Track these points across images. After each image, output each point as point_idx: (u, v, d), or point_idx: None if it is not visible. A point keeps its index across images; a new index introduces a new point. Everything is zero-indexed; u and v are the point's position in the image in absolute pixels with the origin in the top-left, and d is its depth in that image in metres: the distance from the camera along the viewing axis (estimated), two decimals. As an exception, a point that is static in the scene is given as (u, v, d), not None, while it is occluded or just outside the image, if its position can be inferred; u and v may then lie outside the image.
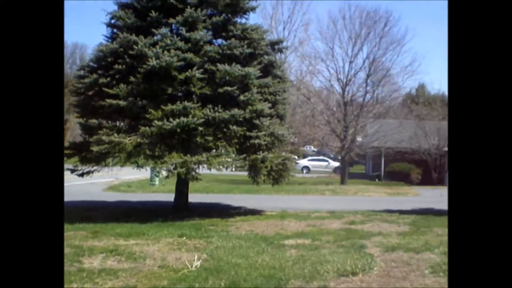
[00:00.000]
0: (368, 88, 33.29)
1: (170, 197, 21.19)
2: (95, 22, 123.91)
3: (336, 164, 48.35)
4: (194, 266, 8.21)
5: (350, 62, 33.30)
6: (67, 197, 21.00)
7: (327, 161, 50.32)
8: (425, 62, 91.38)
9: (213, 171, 14.91)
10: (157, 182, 28.54)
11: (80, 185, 26.64)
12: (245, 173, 16.50)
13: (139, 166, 16.22)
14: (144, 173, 24.96)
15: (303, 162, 48.04)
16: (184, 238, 10.92)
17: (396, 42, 33.31)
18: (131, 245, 10.15)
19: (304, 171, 46.60)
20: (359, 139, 34.69)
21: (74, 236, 11.38)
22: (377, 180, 36.51)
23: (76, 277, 7.73)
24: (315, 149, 62.73)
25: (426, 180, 33.55)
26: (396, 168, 35.96)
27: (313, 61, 35.15)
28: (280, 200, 21.00)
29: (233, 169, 14.75)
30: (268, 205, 18.25)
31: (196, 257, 8.66)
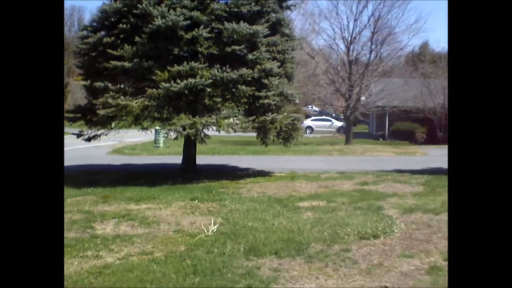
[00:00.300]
0: (373, 46, 32.69)
1: (175, 159, 21.02)
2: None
3: (340, 124, 48.08)
4: (210, 230, 8.01)
5: (355, 20, 32.64)
6: (71, 162, 20.98)
7: (330, 120, 49.98)
8: (431, 20, 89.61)
9: (216, 132, 14.66)
10: (161, 145, 28.35)
11: (83, 148, 26.50)
12: (250, 134, 16.27)
13: (144, 129, 15.98)
14: (148, 136, 24.73)
15: (307, 122, 47.56)
16: (196, 201, 10.71)
17: (402, -1, 32.59)
18: (143, 210, 9.94)
19: (308, 131, 46.25)
20: (363, 98, 34.29)
21: (84, 201, 11.19)
22: (381, 139, 36.25)
23: (90, 243, 7.54)
24: (317, 109, 62.32)
25: (431, 139, 33.25)
26: (401, 127, 35.60)
27: (316, 19, 34.45)
28: (288, 161, 20.78)
29: (238, 130, 14.43)
30: (276, 166, 18.04)
31: (212, 221, 8.45)
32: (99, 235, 8.07)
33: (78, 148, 27.19)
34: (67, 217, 9.31)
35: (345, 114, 34.51)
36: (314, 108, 62.46)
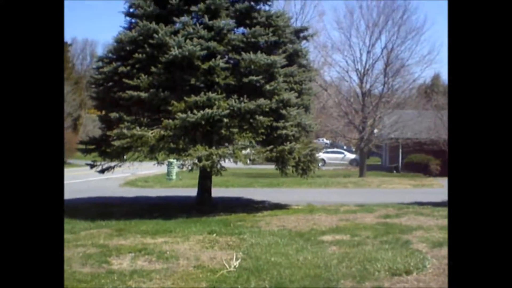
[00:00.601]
0: (386, 78, 32.48)
1: (189, 191, 20.73)
2: (105, 18, 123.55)
3: (352, 156, 47.72)
4: (232, 266, 7.62)
5: (368, 52, 32.55)
6: (84, 194, 20.75)
7: (342, 153, 49.60)
8: (443, 51, 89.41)
9: (230, 164, 14.36)
10: (174, 177, 28.07)
11: (96, 180, 26.31)
12: (263, 166, 15.98)
13: (160, 162, 15.72)
14: (160, 168, 24.49)
15: (319, 154, 47.25)
16: (214, 235, 10.33)
17: (415, 30, 32.51)
18: (159, 244, 9.58)
19: (320, 164, 45.80)
20: (376, 130, 33.98)
21: (98, 234, 10.84)
22: (395, 171, 35.78)
23: (106, 279, 7.17)
24: (328, 142, 61.97)
25: (446, 171, 32.65)
26: (414, 159, 35.15)
27: (329, 51, 34.38)
28: (303, 193, 20.42)
29: (255, 161, 14.12)
30: (292, 199, 17.69)
31: (234, 256, 8.06)
32: (116, 270, 7.70)
33: (90, 180, 27.01)
34: (81, 251, 8.98)
35: (358, 146, 34.17)
36: (325, 140, 62.12)
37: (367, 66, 32.61)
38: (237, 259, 7.95)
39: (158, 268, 7.79)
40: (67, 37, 78.65)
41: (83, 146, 15.50)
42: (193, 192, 19.76)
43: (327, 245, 9.32)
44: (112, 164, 15.15)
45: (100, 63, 14.46)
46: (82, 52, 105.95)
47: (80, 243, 9.77)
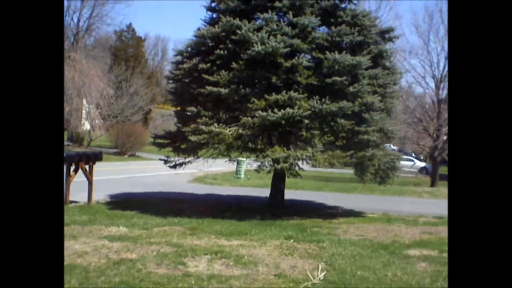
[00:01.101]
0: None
1: (259, 192, 20.39)
2: (177, 15, 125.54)
3: (422, 164, 46.27)
4: (317, 278, 7.11)
5: (446, 58, 31.25)
6: (154, 188, 20.74)
7: (413, 161, 48.12)
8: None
9: (303, 166, 13.88)
10: (242, 176, 27.82)
11: (164, 175, 26.41)
12: (330, 170, 15.49)
13: (233, 160, 15.43)
14: (226, 166, 24.28)
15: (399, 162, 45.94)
16: (292, 240, 9.86)
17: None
18: (235, 247, 9.19)
19: (390, 171, 44.56)
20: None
21: (171, 232, 10.58)
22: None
23: (183, 283, 6.81)
24: (395, 148, 60.37)
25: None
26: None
27: (406, 55, 33.27)
28: (376, 201, 19.64)
29: (336, 166, 13.57)
30: (366, 206, 17.00)
31: (320, 268, 7.53)
32: (192, 273, 7.34)
33: (159, 175, 27.12)
34: (155, 249, 8.70)
35: (431, 155, 32.96)
36: (392, 147, 60.54)
37: (444, 72, 31.32)
38: (321, 270, 7.43)
39: (236, 274, 7.38)
40: (140, 33, 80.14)
41: (160, 141, 15.34)
42: (262, 192, 19.45)
43: (415, 260, 8.65)
44: (186, 160, 14.93)
45: (179, 58, 14.24)
46: (154, 48, 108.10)
47: (154, 240, 9.52)
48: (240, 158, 23.15)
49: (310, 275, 7.20)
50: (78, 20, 53.87)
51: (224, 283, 6.91)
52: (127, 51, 72.77)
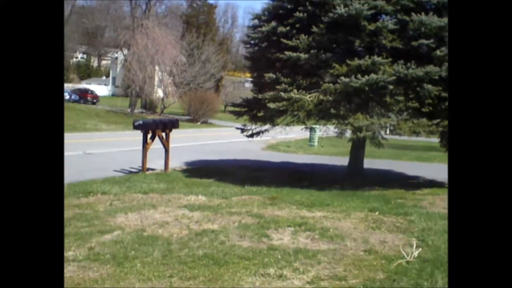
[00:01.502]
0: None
1: (333, 160, 19.98)
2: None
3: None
4: (411, 255, 6.62)
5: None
6: (229, 155, 20.61)
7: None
8: None
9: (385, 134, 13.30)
10: (316, 143, 27.34)
11: (238, 142, 26.33)
12: (406, 138, 14.79)
13: (309, 128, 15.00)
14: (298, 133, 23.87)
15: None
16: (377, 213, 9.36)
17: None
18: (319, 218, 8.80)
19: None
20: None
21: (251, 201, 10.31)
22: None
23: (269, 258, 6.49)
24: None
25: None
26: None
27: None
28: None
29: (421, 134, 12.85)
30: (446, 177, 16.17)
31: (414, 245, 7.03)
32: (277, 247, 7.01)
33: (233, 142, 27.07)
34: (236, 220, 8.44)
35: None
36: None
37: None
38: (417, 248, 6.92)
39: (323, 249, 7.01)
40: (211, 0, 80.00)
41: (237, 109, 15.07)
42: (338, 160, 18.98)
43: None
44: (263, 128, 14.60)
45: (256, 22, 13.79)
46: (224, 15, 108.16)
47: (234, 210, 9.27)
48: (313, 126, 22.65)
49: (403, 252, 6.72)
50: (150, -12, 54.12)
51: (311, 258, 6.54)
52: (198, 18, 72.92)
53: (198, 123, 44.47)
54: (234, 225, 8.11)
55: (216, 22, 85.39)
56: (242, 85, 75.52)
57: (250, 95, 15.87)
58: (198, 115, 45.66)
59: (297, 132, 21.06)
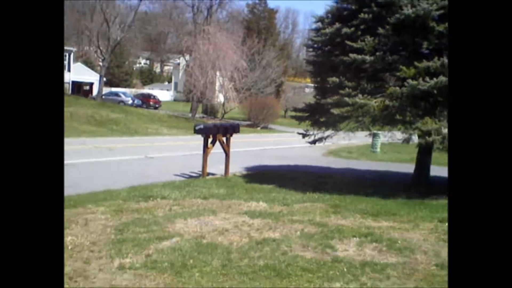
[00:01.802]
0: None
1: (397, 166, 19.36)
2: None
3: None
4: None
5: None
6: (289, 161, 20.28)
7: None
8: None
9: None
10: (378, 150, 26.64)
11: (298, 148, 25.99)
12: None
13: (373, 133, 14.50)
14: (360, 139, 23.29)
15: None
16: (447, 224, 8.83)
17: None
18: (385, 229, 8.36)
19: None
20: None
21: (313, 209, 9.95)
22: None
23: (334, 270, 6.14)
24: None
25: None
26: None
27: None
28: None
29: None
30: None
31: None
32: (342, 259, 6.64)
33: (293, 147, 26.73)
34: (299, 228, 8.12)
35: None
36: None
37: None
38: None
39: (392, 262, 6.58)
40: (271, 5, 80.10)
41: (299, 114, 14.75)
42: (402, 167, 18.37)
43: None
44: (325, 134, 14.21)
45: (319, 24, 13.43)
46: (285, 21, 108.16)
47: (296, 218, 8.94)
48: (376, 131, 22.04)
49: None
50: (212, -6, 54.56)
51: (379, 272, 6.15)
52: (259, 23, 73.10)
53: (258, 128, 44.33)
54: (296, 234, 7.78)
55: (277, 27, 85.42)
56: (302, 91, 75.16)
57: (310, 100, 15.53)
58: (258, 120, 45.53)
59: (359, 138, 20.51)
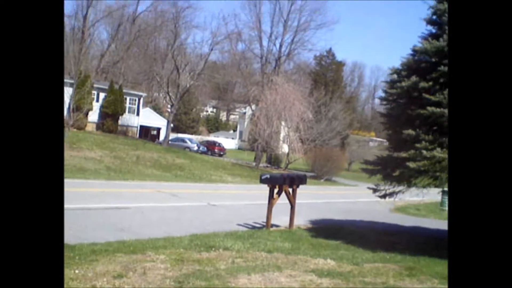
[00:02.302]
0: None
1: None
2: (375, 42, 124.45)
3: None
4: None
5: None
6: (355, 215, 19.54)
7: None
8: None
9: None
10: (447, 208, 25.46)
11: (364, 202, 25.21)
12: None
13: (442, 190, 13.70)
14: (426, 196, 22.27)
15: None
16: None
17: None
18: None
19: None
20: None
21: (385, 271, 9.24)
22: None
23: None
24: None
25: None
26: None
27: None
28: None
29: None
30: None
31: None
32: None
33: (358, 202, 25.96)
34: (371, 291, 7.46)
35: None
36: None
37: None
38: None
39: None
40: (339, 58, 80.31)
41: (370, 167, 14.15)
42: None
43: None
44: (397, 189, 13.52)
45: (395, 76, 12.93)
46: (351, 74, 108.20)
47: (368, 280, 8.27)
48: (446, 189, 21.06)
49: None
50: (280, 46, 55.15)
51: None
52: (326, 75, 73.27)
53: (322, 180, 43.65)
54: (369, 298, 7.13)
55: (344, 80, 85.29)
56: (367, 144, 74.26)
57: (374, 154, 14.94)
58: (322, 172, 44.90)
59: (431, 195, 19.60)
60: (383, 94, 14.06)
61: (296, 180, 14.80)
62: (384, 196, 13.91)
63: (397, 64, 13.32)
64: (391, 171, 13.00)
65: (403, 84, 11.94)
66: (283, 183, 14.07)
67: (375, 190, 14.01)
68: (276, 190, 13.93)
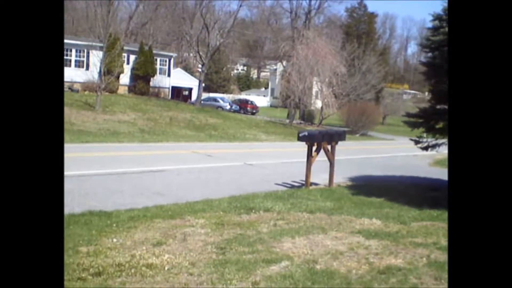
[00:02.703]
0: None
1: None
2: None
3: None
4: None
5: None
6: (394, 171, 18.97)
7: None
8: None
9: None
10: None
11: (401, 156, 24.62)
12: None
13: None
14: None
15: None
16: None
17: None
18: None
19: None
20: None
21: (435, 230, 8.76)
22: None
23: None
24: None
25: None
26: None
27: None
28: None
29: None
30: None
31: None
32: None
33: (396, 156, 25.37)
34: (423, 253, 7.01)
35: None
36: None
37: None
38: None
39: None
40: (371, 9, 78.34)
41: (412, 119, 13.59)
42: None
43: None
44: (440, 141, 12.96)
45: (437, 23, 12.20)
46: (382, 26, 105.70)
47: (418, 241, 7.80)
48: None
49: None
50: (310, 0, 53.79)
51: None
52: (358, 27, 71.65)
53: (357, 135, 42.94)
54: (423, 260, 6.68)
55: (377, 32, 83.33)
56: (400, 97, 72.91)
57: (408, 107, 14.37)
58: (357, 127, 44.14)
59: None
60: (425, 41, 13.35)
61: (335, 137, 14.32)
62: (426, 148, 13.42)
63: (436, 10, 12.54)
64: (434, 123, 12.45)
65: (447, 29, 11.22)
66: (322, 140, 13.60)
67: (417, 142, 13.48)
68: (314, 148, 13.48)
